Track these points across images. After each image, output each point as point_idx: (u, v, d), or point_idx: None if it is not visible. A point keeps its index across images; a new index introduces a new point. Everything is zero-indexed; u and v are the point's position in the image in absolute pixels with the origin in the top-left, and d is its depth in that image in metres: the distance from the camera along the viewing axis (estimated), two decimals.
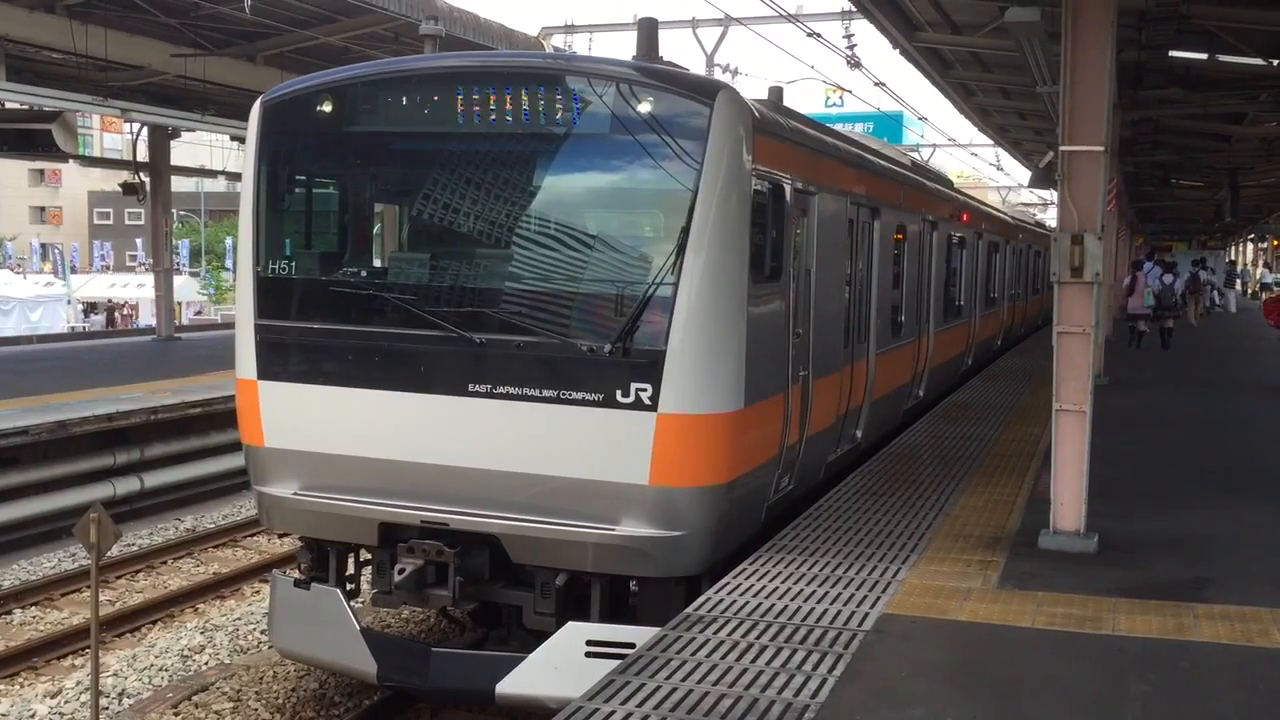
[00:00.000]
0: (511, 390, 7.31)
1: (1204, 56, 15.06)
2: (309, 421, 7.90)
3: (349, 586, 8.43)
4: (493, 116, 7.54)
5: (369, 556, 8.28)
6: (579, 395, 7.16)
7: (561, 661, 7.23)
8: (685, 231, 7.06)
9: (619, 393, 7.08)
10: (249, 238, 8.10)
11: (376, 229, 8.80)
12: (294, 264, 8.19)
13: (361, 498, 7.78)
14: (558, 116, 7.51)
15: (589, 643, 7.22)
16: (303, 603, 8.19)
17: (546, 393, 7.23)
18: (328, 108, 8.05)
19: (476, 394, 7.39)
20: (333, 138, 8.26)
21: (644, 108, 7.26)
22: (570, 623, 7.35)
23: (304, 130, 8.28)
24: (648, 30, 8.28)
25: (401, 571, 7.47)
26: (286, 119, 8.21)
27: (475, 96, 7.56)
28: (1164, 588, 7.26)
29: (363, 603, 9.02)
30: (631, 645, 6.62)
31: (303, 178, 8.61)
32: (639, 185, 7.55)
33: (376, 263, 8.60)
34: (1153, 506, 9.68)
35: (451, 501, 7.51)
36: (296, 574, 8.43)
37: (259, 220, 8.10)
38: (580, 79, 7.57)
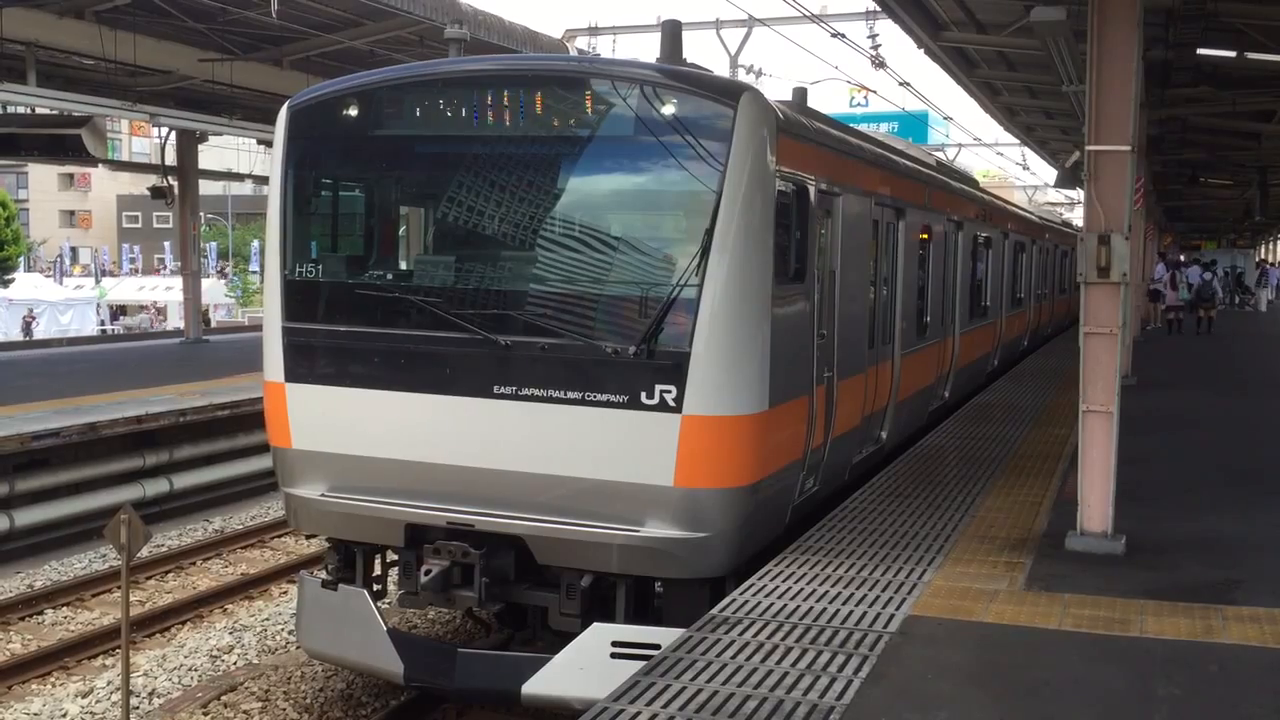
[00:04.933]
0: (536, 392, 7.34)
1: (1232, 54, 14.93)
2: (336, 423, 7.96)
3: (376, 587, 8.50)
4: (517, 120, 7.57)
5: (396, 557, 8.33)
6: (604, 397, 7.18)
7: (587, 662, 7.25)
8: (709, 233, 7.07)
9: (643, 394, 7.10)
10: (276, 241, 8.17)
11: (402, 232, 8.85)
12: (321, 267, 8.25)
13: (388, 499, 7.83)
14: (582, 119, 7.54)
15: (614, 644, 7.24)
16: (330, 603, 8.26)
17: (571, 394, 7.25)
18: (354, 112, 8.12)
19: (502, 396, 7.42)
20: (359, 141, 8.32)
21: (668, 110, 7.27)
22: (595, 624, 7.37)
23: (330, 134, 8.34)
24: (671, 32, 8.28)
25: (428, 573, 7.52)
26: (313, 123, 8.27)
27: (499, 100, 7.60)
28: (1192, 590, 7.21)
29: (390, 603, 9.06)
30: (656, 646, 6.64)
31: (329, 181, 8.67)
32: (663, 187, 7.56)
33: (403, 266, 8.64)
34: (1181, 508, 9.61)
35: (477, 503, 7.55)
36: (324, 575, 8.49)
37: (286, 224, 8.17)
38: (604, 82, 7.60)
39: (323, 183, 8.62)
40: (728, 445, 7.18)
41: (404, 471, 7.73)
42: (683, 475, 7.09)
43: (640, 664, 5.99)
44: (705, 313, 7.04)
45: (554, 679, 7.35)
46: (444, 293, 7.74)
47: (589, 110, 7.52)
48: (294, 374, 8.07)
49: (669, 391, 7.05)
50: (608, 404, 7.17)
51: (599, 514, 7.26)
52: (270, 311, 8.24)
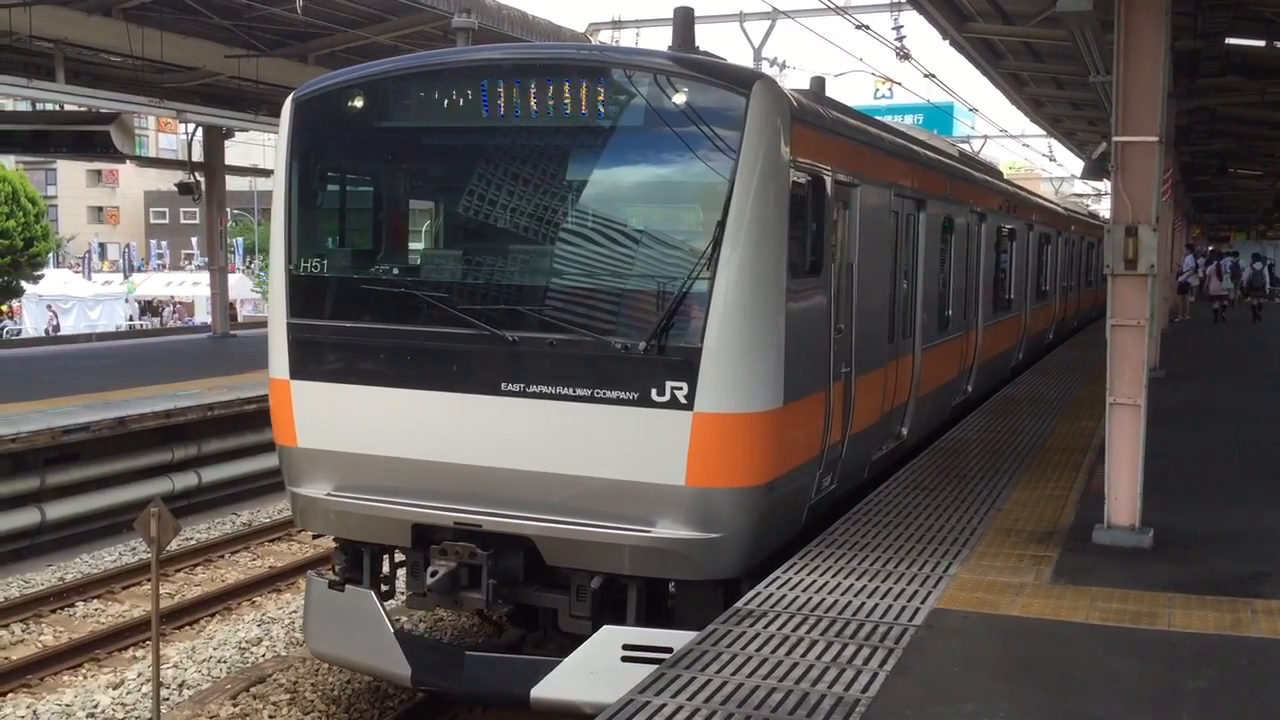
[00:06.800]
0: (545, 389, 7.18)
1: (1261, 43, 14.78)
2: (342, 421, 7.81)
3: (384, 588, 8.35)
4: (524, 110, 7.41)
5: (404, 558, 8.19)
6: (613, 394, 7.01)
7: (597, 665, 7.09)
8: (721, 225, 6.89)
9: (654, 391, 6.93)
10: (281, 236, 8.02)
11: (420, 227, 8.80)
12: (326, 262, 8.07)
13: (394, 498, 7.68)
14: (591, 109, 7.33)
15: (625, 646, 7.08)
16: (337, 604, 8.10)
17: (580, 392, 7.09)
18: (359, 103, 7.94)
19: (509, 393, 7.26)
20: (364, 133, 8.15)
21: (679, 99, 7.10)
22: (606, 626, 7.21)
23: (336, 126, 8.14)
24: (683, 20, 7.98)
25: (434, 574, 7.35)
26: (318, 115, 8.09)
27: (506, 90, 7.42)
28: (1221, 583, 7.14)
29: (403, 598, 9.08)
30: (669, 649, 6.48)
31: (335, 174, 8.53)
32: (674, 178, 7.41)
33: (409, 260, 8.47)
34: (1209, 501, 9.52)
35: (484, 502, 7.39)
36: (331, 575, 8.33)
37: (291, 218, 8.00)
38: (614, 70, 7.43)
39: (328, 176, 8.47)
40: (741, 443, 7.02)
41: (410, 470, 7.59)
42: (695, 474, 6.92)
43: (651, 667, 5.87)
44: (717, 307, 6.87)
45: (564, 682, 7.19)
46: (450, 288, 7.61)
47: (598, 100, 7.30)
48: (299, 371, 7.92)
49: (680, 388, 6.89)
50: (618, 401, 7.00)
51: (609, 514, 7.10)
52: (275, 307, 8.09)
